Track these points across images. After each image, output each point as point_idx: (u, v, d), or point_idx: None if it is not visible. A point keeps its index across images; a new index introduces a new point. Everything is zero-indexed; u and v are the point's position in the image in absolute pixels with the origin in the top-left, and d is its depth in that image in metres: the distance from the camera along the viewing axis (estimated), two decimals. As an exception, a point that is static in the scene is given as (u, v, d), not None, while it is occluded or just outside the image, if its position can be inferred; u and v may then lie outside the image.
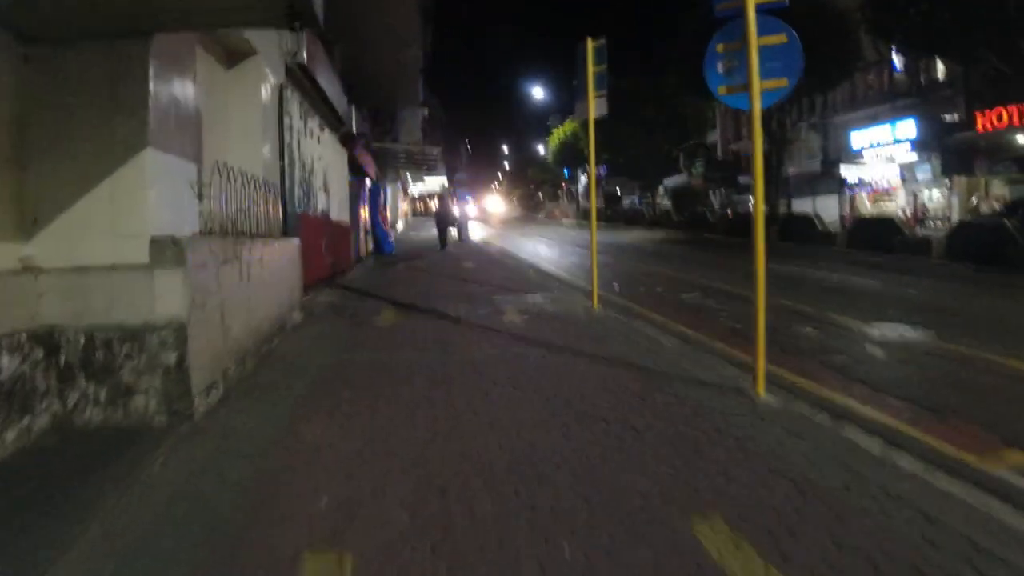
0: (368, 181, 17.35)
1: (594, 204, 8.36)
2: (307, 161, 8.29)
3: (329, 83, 10.51)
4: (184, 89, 4.43)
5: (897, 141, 27.87)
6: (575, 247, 20.82)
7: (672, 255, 17.70)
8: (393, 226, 32.22)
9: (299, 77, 8.51)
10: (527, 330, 6.50)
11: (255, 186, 6.16)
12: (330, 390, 4.44)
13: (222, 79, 6.55)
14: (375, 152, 17.71)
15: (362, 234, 16.23)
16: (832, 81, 21.39)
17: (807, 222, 20.68)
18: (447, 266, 13.89)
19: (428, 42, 30.01)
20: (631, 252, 18.97)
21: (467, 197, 26.28)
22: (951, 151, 25.98)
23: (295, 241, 7.16)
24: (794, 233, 20.54)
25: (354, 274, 12.23)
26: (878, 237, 17.34)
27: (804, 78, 15.17)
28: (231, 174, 5.31)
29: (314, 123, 8.80)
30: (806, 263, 14.31)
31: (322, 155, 9.41)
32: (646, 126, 29.37)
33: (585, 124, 25.97)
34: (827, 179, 33.43)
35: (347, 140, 12.57)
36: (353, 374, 4.85)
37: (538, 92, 47.66)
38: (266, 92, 7.04)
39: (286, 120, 7.34)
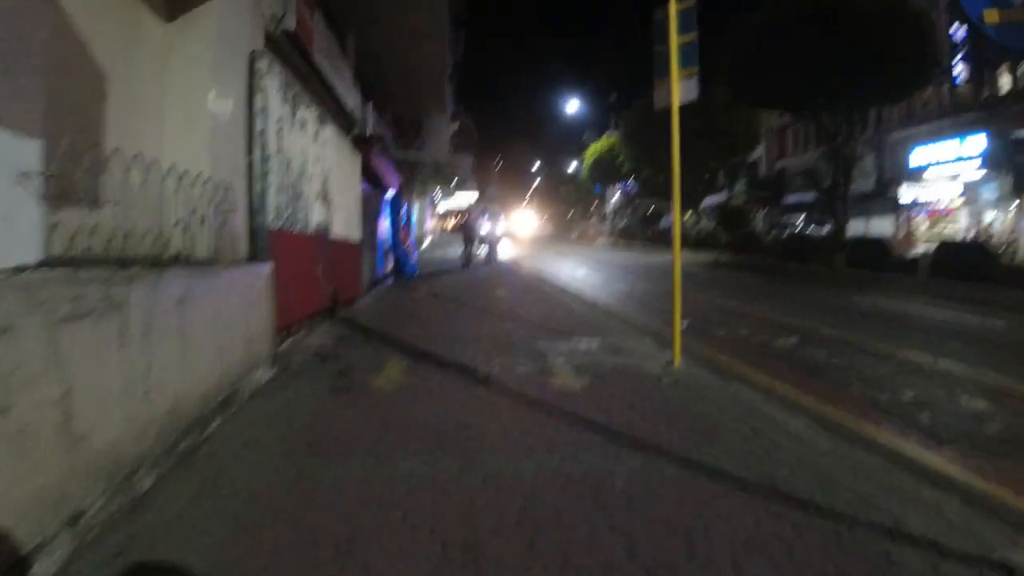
0: (389, 193, 15.44)
1: (677, 222, 6.19)
2: (294, 160, 6.30)
3: (335, 70, 8.59)
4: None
5: (963, 159, 25.24)
6: (619, 270, 18.61)
7: (731, 283, 15.38)
8: (419, 244, 30.39)
9: (285, 49, 6.58)
10: (592, 408, 4.35)
11: (198, 188, 4.16)
12: (254, 567, 2.34)
13: (157, 34, 4.60)
14: (397, 161, 15.79)
15: (380, 253, 14.27)
16: (911, 89, 18.93)
17: (879, 247, 18.19)
18: (475, 293, 11.80)
19: (459, 51, 28.39)
20: (683, 278, 16.69)
21: (499, 214, 24.27)
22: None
23: (262, 269, 5.13)
24: (864, 259, 18.04)
25: (364, 302, 10.21)
26: (967, 265, 14.84)
27: (880, 85, 12.79)
28: (148, 169, 3.31)
29: (309, 115, 6.83)
30: (902, 297, 11.93)
31: (321, 156, 7.44)
32: (691, 141, 27.06)
33: (630, 135, 23.90)
34: (880, 199, 30.74)
35: (361, 143, 10.65)
36: (307, 518, 2.74)
37: (572, 106, 45.65)
38: (227, 58, 5.07)
39: (258, 101, 5.36)
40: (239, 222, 5.13)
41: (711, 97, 26.68)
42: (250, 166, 5.31)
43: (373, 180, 12.38)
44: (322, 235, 7.65)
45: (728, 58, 20.66)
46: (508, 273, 16.76)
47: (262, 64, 5.46)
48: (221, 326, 4.10)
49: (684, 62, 5.74)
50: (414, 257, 16.73)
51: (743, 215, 31.85)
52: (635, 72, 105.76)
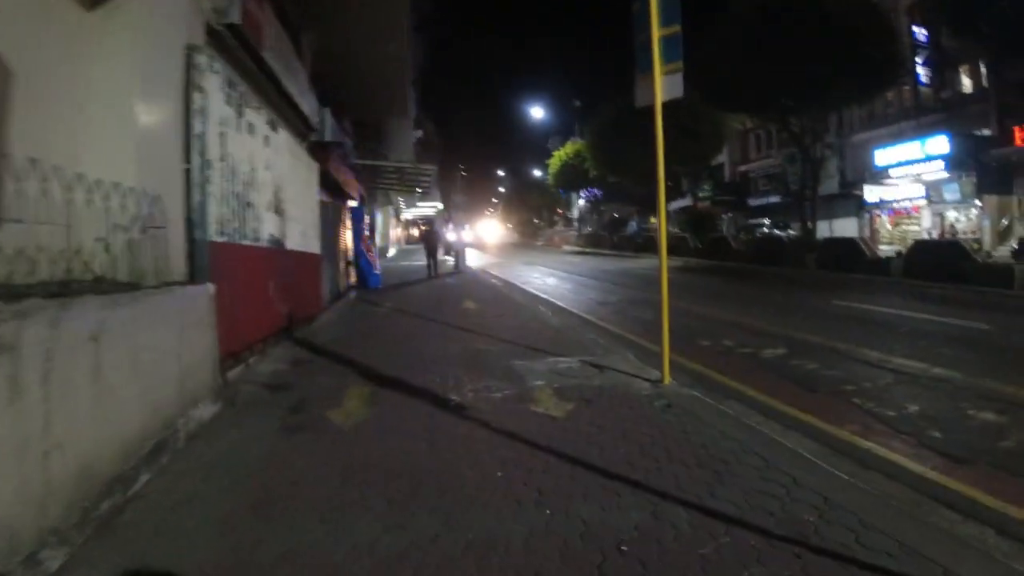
0: (350, 203, 14.78)
1: (663, 225, 5.74)
2: (241, 167, 5.68)
3: (289, 71, 7.99)
4: None
5: (927, 158, 25.58)
6: (590, 279, 18.21)
7: (707, 289, 15.10)
8: (383, 254, 29.62)
9: (230, 45, 5.96)
10: (581, 440, 3.85)
11: (116, 200, 3.55)
12: None
13: (78, 23, 3.97)
14: (358, 168, 15.14)
15: (342, 265, 13.59)
16: (880, 89, 19.01)
17: (851, 247, 18.13)
18: (443, 306, 11.23)
19: (420, 56, 27.81)
20: (655, 285, 16.38)
21: (464, 223, 23.72)
22: (987, 168, 23.74)
23: (201, 290, 4.52)
24: (836, 260, 18.00)
25: (325, 319, 9.56)
26: (942, 264, 14.82)
27: (849, 86, 12.59)
28: (47, 177, 2.72)
29: (258, 118, 6.22)
30: (880, 298, 11.74)
31: (273, 163, 6.82)
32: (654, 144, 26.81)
33: (597, 140, 23.53)
34: (844, 201, 31.06)
35: (319, 150, 10.01)
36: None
37: (537, 112, 45.31)
38: (159, 51, 4.46)
39: (197, 100, 4.75)
40: (176, 237, 4.51)
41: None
42: (188, 173, 4.69)
43: (333, 189, 11.74)
44: (276, 248, 7.02)
45: (696, 59, 20.49)
46: (477, 283, 16.22)
47: (201, 59, 4.85)
48: (148, 361, 3.49)
49: (667, 56, 5.31)
50: (378, 268, 16.07)
51: (711, 219, 31.78)
52: (600, 76, 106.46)
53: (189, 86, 4.74)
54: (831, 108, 19.48)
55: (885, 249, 23.04)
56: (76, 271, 3.47)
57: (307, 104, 8.99)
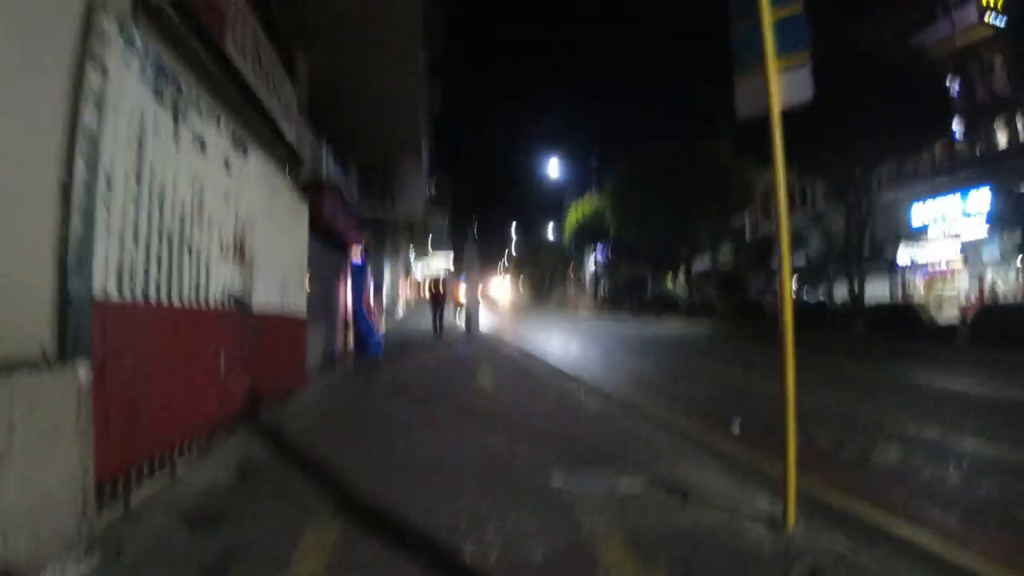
0: (355, 254, 13.19)
1: (787, 283, 3.85)
2: (178, 195, 4.04)
3: (271, 87, 6.48)
4: None
5: (966, 215, 23.95)
6: (618, 346, 16.35)
7: (753, 359, 13.19)
8: (390, 314, 27.94)
9: (174, 23, 4.41)
10: None
11: None
12: None
13: None
14: (363, 219, 13.59)
15: (339, 328, 11.88)
16: (930, 140, 17.54)
17: (907, 313, 16.29)
18: (453, 382, 9.40)
19: (436, 102, 26.85)
20: (694, 354, 14.50)
21: (478, 281, 22.07)
22: (1033, 225, 22.06)
23: (61, 379, 2.79)
24: (890, 326, 16.04)
25: (308, 395, 7.78)
26: (1014, 331, 12.97)
27: (899, 135, 10.91)
28: None
29: (213, 131, 4.63)
30: (966, 373, 9.79)
31: (237, 196, 5.20)
32: (680, 199, 25.28)
33: (619, 194, 22.12)
34: (874, 263, 29.30)
35: (311, 190, 8.44)
36: None
37: (552, 168, 44.25)
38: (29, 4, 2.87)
39: (93, 79, 3.15)
40: (33, 289, 2.81)
41: (701, 151, 25.26)
42: (66, 191, 3.02)
43: (330, 238, 10.14)
44: (235, 308, 5.31)
45: (728, 101, 19.26)
46: (490, 351, 14.39)
47: (107, 23, 3.25)
48: None
49: (785, 44, 3.68)
50: (380, 332, 14.34)
51: (739, 281, 29.97)
52: (618, 130, 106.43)
53: (83, 55, 3.13)
54: (880, 157, 17.93)
55: (950, 313, 21.12)
56: None
57: (294, 130, 7.45)
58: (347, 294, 12.37)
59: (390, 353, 13.23)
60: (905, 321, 15.75)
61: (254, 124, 6.05)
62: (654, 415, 7.02)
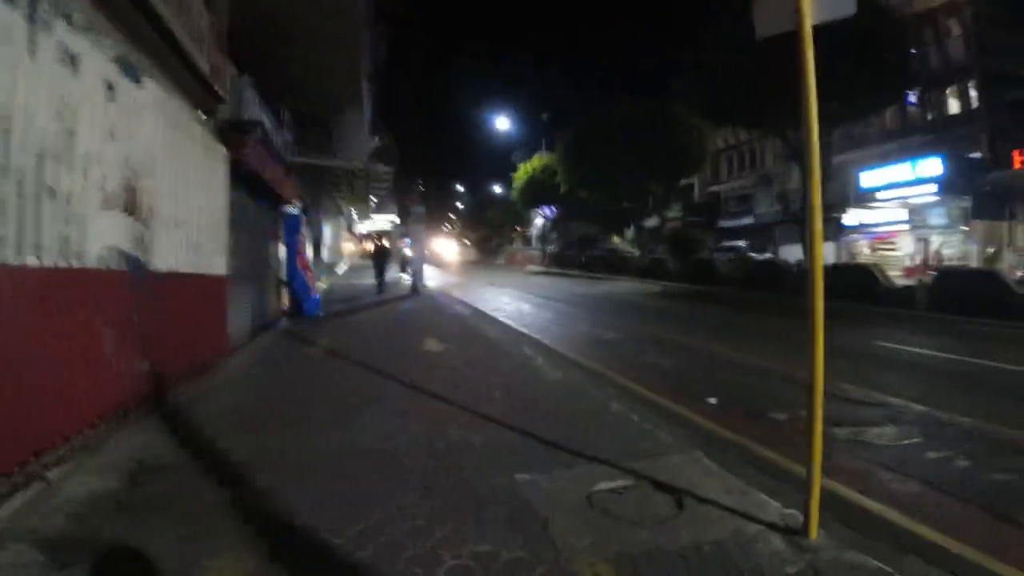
0: (288, 210, 12.03)
1: (819, 236, 3.13)
2: (30, 123, 3.05)
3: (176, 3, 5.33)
4: None
5: (918, 181, 24.15)
6: (569, 306, 15.76)
7: (709, 322, 12.80)
8: (332, 270, 26.65)
9: None
10: None
11: None
12: None
13: None
14: (289, 168, 12.36)
15: (273, 288, 10.83)
16: (889, 102, 17.28)
17: (864, 275, 16.15)
18: (397, 346, 8.56)
19: (381, 52, 25.17)
20: (648, 315, 14.03)
21: (423, 238, 21.07)
22: (982, 192, 22.43)
23: None
24: (844, 289, 15.84)
25: (232, 367, 6.84)
26: (974, 295, 12.96)
27: (860, 94, 10.28)
28: None
29: (89, 47, 3.58)
30: (931, 339, 9.58)
31: (125, 132, 4.16)
32: (645, 158, 24.64)
33: (572, 153, 21.36)
34: (822, 223, 29.54)
35: (231, 132, 7.31)
36: None
37: (502, 124, 42.82)
38: None
39: None
40: None
41: (658, 112, 24.63)
42: None
43: (257, 189, 9.01)
44: (125, 269, 4.32)
45: (692, 71, 18.60)
46: (438, 311, 13.54)
47: None
48: None
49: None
50: (317, 290, 13.29)
51: (694, 240, 29.60)
52: (569, 89, 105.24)
53: None
54: (841, 120, 17.60)
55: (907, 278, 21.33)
56: None
57: (207, 61, 6.29)
58: (279, 251, 11.27)
59: (329, 313, 12.24)
60: (860, 284, 15.61)
61: (153, 47, 4.89)
62: (621, 385, 6.39)
